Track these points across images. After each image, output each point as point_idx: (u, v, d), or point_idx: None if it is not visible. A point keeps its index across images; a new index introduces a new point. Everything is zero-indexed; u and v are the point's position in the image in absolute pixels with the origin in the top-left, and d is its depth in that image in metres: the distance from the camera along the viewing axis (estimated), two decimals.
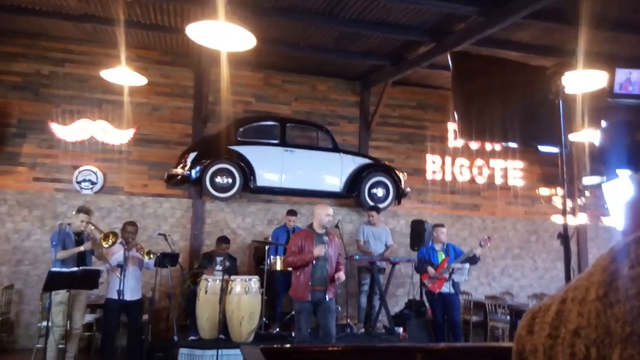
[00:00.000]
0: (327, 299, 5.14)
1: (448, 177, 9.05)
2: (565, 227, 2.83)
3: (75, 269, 5.16)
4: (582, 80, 4.24)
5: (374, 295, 7.31)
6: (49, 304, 5.25)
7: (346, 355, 2.29)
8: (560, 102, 2.82)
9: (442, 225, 6.89)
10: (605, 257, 0.64)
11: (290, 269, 6.07)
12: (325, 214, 5.26)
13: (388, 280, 7.28)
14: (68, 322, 5.42)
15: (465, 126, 2.81)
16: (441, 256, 6.68)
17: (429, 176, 9.00)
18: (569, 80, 2.91)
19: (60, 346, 5.28)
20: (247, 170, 7.51)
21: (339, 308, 6.99)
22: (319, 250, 5.05)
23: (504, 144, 8.68)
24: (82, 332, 5.95)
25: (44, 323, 5.67)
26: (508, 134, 2.94)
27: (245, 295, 6.16)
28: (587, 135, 6.80)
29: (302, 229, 5.60)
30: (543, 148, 6.41)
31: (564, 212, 2.88)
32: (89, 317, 6.59)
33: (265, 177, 7.67)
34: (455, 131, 9.11)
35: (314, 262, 5.09)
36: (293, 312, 6.06)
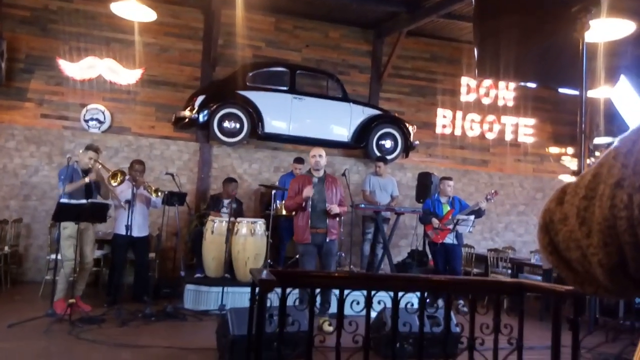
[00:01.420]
0: (328, 240, 5.22)
1: (458, 132, 8.96)
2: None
3: (83, 201, 5.21)
4: (605, 28, 4.09)
5: (377, 244, 7.38)
6: (57, 236, 5.33)
7: (350, 282, 2.32)
8: (585, 41, 2.73)
9: (449, 178, 6.89)
10: None
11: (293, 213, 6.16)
12: (312, 154, 5.35)
13: (392, 230, 7.33)
14: (79, 255, 5.51)
15: (485, 63, 2.73)
16: (446, 208, 6.71)
17: (438, 130, 8.91)
18: (593, 25, 2.80)
19: (71, 279, 5.40)
20: (255, 116, 7.45)
21: (342, 254, 7.11)
22: (307, 192, 5.13)
23: (522, 83, 8.54)
24: (92, 267, 6.07)
25: (52, 256, 5.79)
26: (528, 73, 2.85)
27: (251, 237, 6.25)
28: (604, 92, 6.65)
29: (301, 174, 5.69)
30: (563, 90, 6.28)
31: (579, 156, 2.84)
32: (97, 253, 6.72)
33: (273, 124, 7.61)
34: (468, 84, 8.97)
35: (309, 203, 5.17)
36: (297, 256, 6.17)
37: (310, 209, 5.22)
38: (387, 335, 2.27)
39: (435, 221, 6.58)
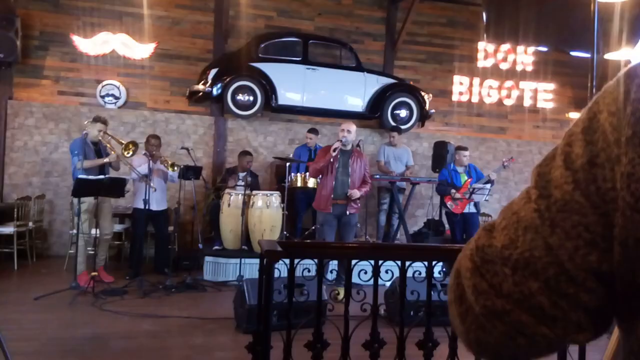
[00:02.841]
0: (348, 213, 5.28)
1: (475, 99, 8.79)
2: None
3: (102, 176, 5.30)
4: None
5: (393, 214, 7.40)
6: (77, 211, 5.46)
7: (361, 253, 2.34)
8: (597, 3, 2.62)
9: (465, 148, 6.79)
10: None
11: (311, 185, 6.21)
12: (342, 127, 5.41)
13: (407, 200, 7.33)
14: (97, 229, 5.65)
15: (493, 26, 2.65)
16: (464, 178, 6.64)
17: (455, 98, 8.75)
18: None
19: (91, 252, 5.56)
20: (268, 88, 7.42)
21: (358, 225, 7.12)
22: (334, 145, 5.23)
23: (535, 47, 8.32)
24: (111, 240, 6.20)
25: (74, 231, 5.93)
26: (539, 36, 2.76)
27: (267, 210, 6.31)
28: (624, 54, 6.41)
29: (329, 145, 5.73)
30: (575, 54, 6.10)
31: None
32: (118, 227, 6.88)
33: (287, 95, 7.57)
34: (485, 50, 8.74)
35: (335, 174, 5.22)
36: (313, 227, 6.24)
37: (334, 181, 5.26)
38: (400, 310, 2.30)
39: (453, 192, 6.52)
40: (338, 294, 5.00)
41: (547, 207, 0.50)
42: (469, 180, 6.56)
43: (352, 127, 5.42)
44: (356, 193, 5.33)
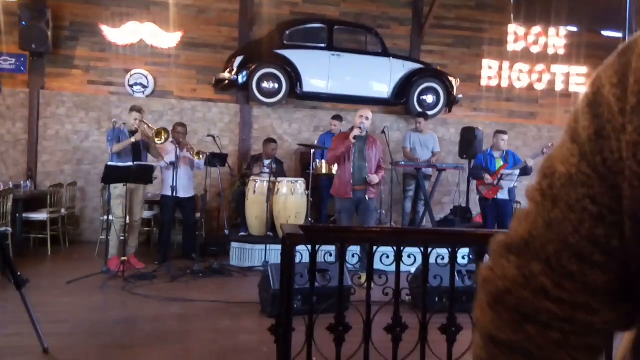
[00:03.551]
0: (367, 198, 5.29)
1: (504, 84, 8.57)
2: None
3: (130, 163, 5.41)
4: None
5: (418, 201, 7.32)
6: (108, 197, 5.60)
7: (382, 237, 2.32)
8: None
9: (504, 132, 6.63)
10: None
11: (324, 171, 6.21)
12: (359, 114, 5.40)
13: (434, 187, 7.24)
14: (128, 215, 5.80)
15: (521, 7, 2.57)
16: (499, 163, 6.50)
17: (483, 82, 8.55)
18: None
19: (121, 238, 5.69)
20: (293, 75, 7.40)
21: (383, 212, 7.10)
22: (354, 132, 5.22)
23: (565, 27, 8.05)
24: (141, 226, 6.34)
25: (105, 217, 6.09)
26: (568, 16, 2.66)
27: (292, 196, 6.33)
28: None
29: (343, 132, 5.75)
30: (606, 33, 5.87)
31: None
32: (147, 214, 7.02)
33: (312, 82, 7.54)
34: (515, 33, 8.50)
35: (352, 159, 5.22)
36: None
37: (352, 167, 5.30)
38: (423, 295, 2.27)
39: (487, 177, 6.39)
40: (360, 278, 5.04)
41: (550, 184, 0.49)
42: (504, 165, 6.42)
43: (370, 114, 5.45)
44: (375, 178, 5.37)
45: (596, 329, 0.47)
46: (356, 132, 5.25)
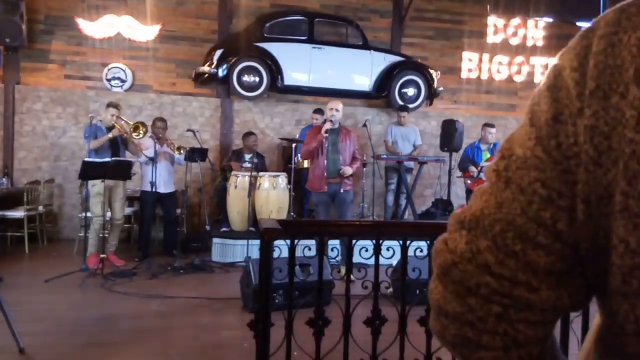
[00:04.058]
0: (342, 190, 5.30)
1: (484, 76, 8.63)
2: None
3: (107, 159, 5.33)
4: None
5: (400, 194, 7.36)
6: (86, 194, 5.51)
7: (361, 230, 2.31)
8: None
9: (491, 125, 6.81)
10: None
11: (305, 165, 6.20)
12: (329, 107, 5.40)
13: (415, 179, 7.27)
14: (109, 213, 5.72)
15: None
16: (486, 155, 6.60)
17: (464, 75, 8.60)
18: None
19: (101, 235, 5.61)
20: (274, 68, 7.35)
21: (365, 206, 7.11)
22: (325, 126, 5.22)
23: (538, 18, 8.13)
24: (122, 223, 6.24)
25: (84, 214, 5.99)
26: (543, 7, 2.68)
27: (273, 191, 6.31)
28: None
29: (315, 126, 5.74)
30: (581, 23, 5.94)
31: None
32: (127, 210, 6.91)
33: (293, 75, 7.50)
34: (495, 25, 8.55)
35: (325, 153, 5.25)
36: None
37: (325, 160, 5.28)
38: (401, 287, 2.28)
39: (472, 169, 6.51)
40: (339, 271, 5.06)
41: (506, 166, 0.49)
42: (491, 158, 6.50)
43: (340, 106, 5.45)
44: (348, 170, 5.35)
45: (536, 306, 0.48)
46: (328, 125, 5.24)
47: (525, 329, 0.48)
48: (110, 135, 5.58)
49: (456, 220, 0.52)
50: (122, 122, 5.77)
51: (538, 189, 0.46)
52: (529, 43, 8.66)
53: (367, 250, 2.25)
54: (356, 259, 2.29)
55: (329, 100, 5.72)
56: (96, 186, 5.49)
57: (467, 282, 0.49)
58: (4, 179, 7.00)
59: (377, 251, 2.18)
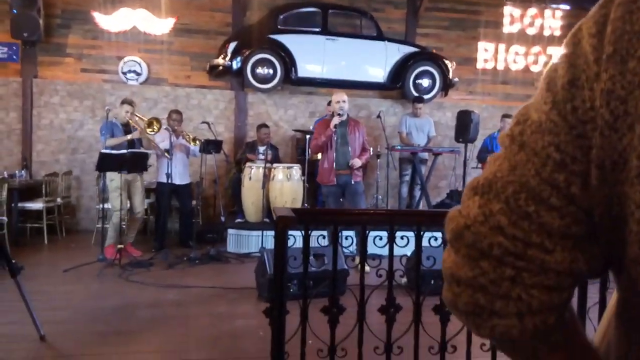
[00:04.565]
0: (353, 182, 5.29)
1: (500, 66, 8.53)
2: None
3: (124, 151, 5.39)
4: None
5: (415, 185, 7.33)
6: (103, 185, 5.58)
7: (375, 219, 2.31)
8: None
9: (509, 116, 6.75)
10: None
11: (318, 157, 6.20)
12: (335, 100, 5.37)
13: (430, 171, 7.23)
14: (129, 207, 5.79)
15: None
16: None
17: (479, 65, 8.50)
18: None
19: (123, 226, 5.70)
20: (287, 61, 7.34)
21: (380, 197, 7.10)
22: (334, 121, 5.20)
23: (555, 6, 8.02)
24: (142, 217, 6.28)
25: (101, 206, 6.07)
26: None
27: (287, 182, 6.32)
28: None
29: (323, 119, 5.73)
30: None
31: None
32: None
33: (307, 67, 7.49)
34: (511, 14, 8.43)
35: (334, 145, 5.25)
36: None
37: (334, 152, 5.29)
38: (416, 276, 2.27)
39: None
40: (353, 259, 5.06)
41: (521, 131, 0.49)
42: None
43: (345, 97, 5.43)
44: (357, 162, 5.35)
45: (551, 269, 0.47)
46: (337, 120, 5.22)
47: (540, 295, 0.47)
48: (129, 137, 5.65)
49: (469, 187, 0.52)
50: (137, 118, 5.83)
51: (552, 152, 0.46)
52: (546, 33, 8.53)
53: (381, 239, 2.25)
54: (371, 248, 2.29)
55: (347, 92, 5.70)
56: (115, 181, 5.56)
57: (479, 243, 0.48)
58: (23, 172, 7.13)
59: (391, 239, 2.18)
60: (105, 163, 5.19)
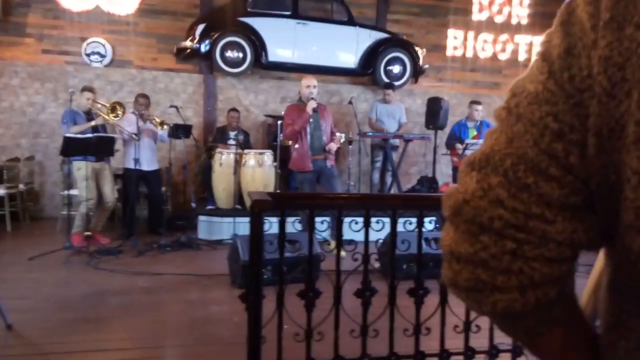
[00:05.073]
0: (329, 165, 5.33)
1: (469, 54, 8.64)
2: None
3: (89, 135, 5.23)
4: None
5: (386, 171, 7.39)
6: (68, 171, 5.41)
7: (350, 202, 2.32)
8: None
9: (478, 103, 6.83)
10: None
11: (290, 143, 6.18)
12: (305, 84, 5.37)
13: (401, 157, 7.31)
14: (98, 195, 5.63)
15: None
16: (472, 133, 6.65)
17: (449, 52, 8.59)
18: None
19: (90, 213, 5.56)
20: (258, 44, 7.24)
21: (352, 183, 7.13)
22: (311, 105, 5.18)
23: None
24: (112, 206, 6.10)
25: (67, 192, 5.90)
26: None
27: (259, 168, 6.28)
28: None
29: (292, 104, 5.71)
30: None
31: None
32: None
33: (277, 52, 7.40)
34: (480, 2, 8.53)
35: (308, 131, 5.24)
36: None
37: (309, 137, 5.30)
38: (391, 259, 2.30)
39: (459, 146, 6.55)
40: (329, 244, 5.09)
41: (517, 103, 0.49)
42: (477, 135, 6.55)
43: (315, 81, 5.46)
44: (334, 146, 5.43)
45: (552, 239, 0.46)
46: (313, 104, 5.20)
47: (541, 267, 0.47)
48: (92, 123, 5.49)
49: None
50: (99, 105, 5.67)
51: (550, 122, 0.46)
52: (514, 21, 8.68)
53: (356, 223, 2.27)
54: (345, 232, 2.30)
55: (318, 78, 5.68)
56: (82, 170, 5.40)
57: (479, 218, 0.48)
58: None
59: (366, 223, 2.20)
60: (70, 147, 5.03)
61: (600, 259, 0.58)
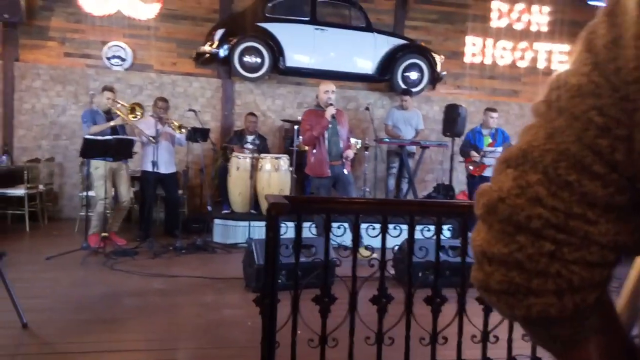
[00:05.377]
0: (346, 172, 5.35)
1: (488, 61, 8.57)
2: None
3: (109, 137, 5.29)
4: None
5: (402, 178, 7.34)
6: (87, 172, 5.48)
7: (367, 208, 2.30)
8: None
9: (493, 110, 6.75)
10: None
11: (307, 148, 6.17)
12: (323, 90, 5.35)
13: (417, 164, 7.26)
14: (114, 195, 5.69)
15: None
16: (487, 140, 6.57)
17: (467, 59, 8.53)
18: None
19: (108, 213, 5.61)
20: (276, 50, 7.27)
21: (367, 189, 7.10)
22: (330, 111, 5.17)
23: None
24: (128, 206, 6.16)
25: (85, 193, 5.97)
26: None
27: (275, 173, 6.29)
28: None
29: (309, 109, 5.70)
30: (593, 2, 5.89)
31: None
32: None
33: (295, 57, 7.43)
34: (499, 9, 8.47)
35: (326, 136, 5.25)
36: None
37: (327, 143, 5.30)
38: (408, 265, 2.27)
39: (474, 154, 6.47)
40: (345, 249, 5.05)
41: (558, 96, 0.46)
42: (493, 143, 6.48)
43: (334, 87, 5.46)
44: (351, 153, 5.44)
45: (594, 241, 0.44)
46: (332, 110, 5.19)
47: (581, 271, 0.44)
48: (112, 123, 5.55)
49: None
50: (119, 105, 5.73)
51: (594, 117, 0.43)
52: (533, 28, 8.59)
53: (373, 229, 2.25)
54: (363, 239, 2.29)
55: (336, 83, 5.69)
56: (99, 169, 5.47)
57: (516, 216, 0.45)
58: (4, 157, 6.96)
59: (384, 228, 2.18)
60: (90, 149, 5.09)
61: (637, 266, 0.55)
